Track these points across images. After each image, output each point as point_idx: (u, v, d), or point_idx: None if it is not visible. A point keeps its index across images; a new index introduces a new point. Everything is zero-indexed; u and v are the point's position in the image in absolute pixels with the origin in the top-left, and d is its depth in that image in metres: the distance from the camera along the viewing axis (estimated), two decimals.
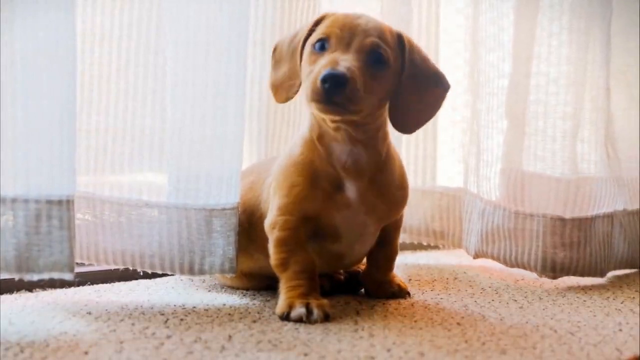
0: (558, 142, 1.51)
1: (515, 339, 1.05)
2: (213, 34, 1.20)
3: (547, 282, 1.49)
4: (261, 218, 1.22)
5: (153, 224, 1.22)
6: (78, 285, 1.30)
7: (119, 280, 1.36)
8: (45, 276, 1.04)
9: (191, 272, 1.23)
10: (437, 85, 1.20)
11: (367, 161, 1.17)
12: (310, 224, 1.18)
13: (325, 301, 1.14)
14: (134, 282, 1.36)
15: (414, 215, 1.67)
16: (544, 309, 1.25)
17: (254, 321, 1.11)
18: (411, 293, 1.32)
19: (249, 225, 1.25)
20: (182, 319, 1.11)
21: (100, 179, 1.24)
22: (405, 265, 1.62)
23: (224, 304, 1.22)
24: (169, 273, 1.25)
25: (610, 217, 1.53)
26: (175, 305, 1.19)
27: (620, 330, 1.12)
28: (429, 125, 1.26)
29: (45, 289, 1.26)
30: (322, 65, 1.08)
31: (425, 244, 1.72)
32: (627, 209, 1.60)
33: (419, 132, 1.43)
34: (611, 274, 1.57)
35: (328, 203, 1.17)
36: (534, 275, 1.50)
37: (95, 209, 1.23)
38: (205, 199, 1.22)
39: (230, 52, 1.20)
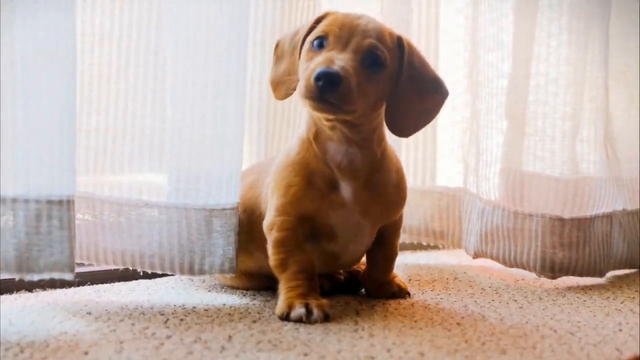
0: (557, 142, 1.51)
1: (515, 339, 1.05)
2: (213, 34, 1.20)
3: (547, 282, 1.49)
4: (260, 217, 1.22)
5: (153, 224, 1.22)
6: (78, 285, 1.30)
7: (119, 280, 1.36)
8: (46, 276, 1.04)
9: (191, 272, 1.23)
10: (436, 91, 1.19)
11: (362, 162, 1.17)
12: (307, 224, 1.18)
13: (325, 301, 1.14)
14: (134, 282, 1.36)
15: (413, 215, 1.67)
16: (544, 309, 1.25)
17: (254, 321, 1.11)
18: (411, 293, 1.32)
19: (248, 225, 1.25)
20: (182, 319, 1.11)
21: (100, 179, 1.24)
22: (405, 265, 1.62)
23: (224, 304, 1.22)
24: (169, 273, 1.25)
25: (609, 217, 1.53)
26: (175, 305, 1.19)
27: (620, 330, 1.12)
28: (428, 126, 1.25)
29: (45, 289, 1.26)
30: (317, 63, 1.08)
31: (425, 244, 1.72)
32: (626, 209, 1.60)
33: (420, 133, 1.43)
34: (611, 274, 1.57)
35: (324, 203, 1.17)
36: (534, 275, 1.50)
37: (95, 209, 1.23)
38: (205, 199, 1.22)
39: (230, 52, 1.20)
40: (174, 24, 1.20)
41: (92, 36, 1.22)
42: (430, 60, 1.36)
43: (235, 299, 1.26)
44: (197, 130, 1.21)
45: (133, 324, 1.07)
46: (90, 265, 1.28)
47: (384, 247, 1.28)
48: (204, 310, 1.17)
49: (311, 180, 1.17)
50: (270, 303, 1.22)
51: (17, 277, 1.04)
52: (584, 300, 1.33)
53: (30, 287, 1.25)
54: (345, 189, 1.17)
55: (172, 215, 1.22)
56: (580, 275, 1.49)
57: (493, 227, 1.51)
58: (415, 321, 1.13)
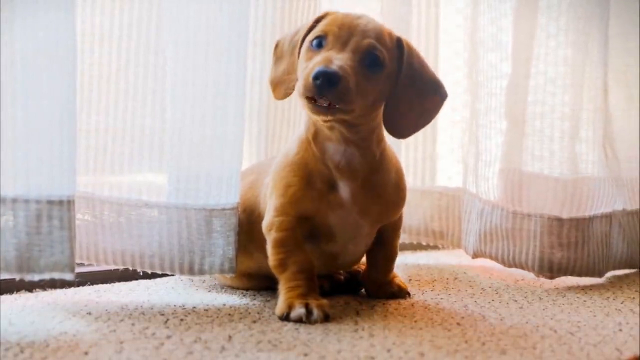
0: (556, 142, 1.51)
1: (515, 339, 1.05)
2: (213, 34, 1.20)
3: (547, 282, 1.49)
4: (260, 217, 1.22)
5: (153, 224, 1.22)
6: (78, 286, 1.30)
7: (119, 281, 1.36)
8: (46, 276, 1.04)
9: (191, 272, 1.23)
10: (435, 92, 1.19)
11: (360, 162, 1.17)
12: (306, 224, 1.18)
13: (324, 301, 1.14)
14: (134, 282, 1.36)
15: (413, 215, 1.67)
16: (544, 309, 1.25)
17: (254, 321, 1.11)
18: (411, 293, 1.32)
19: (248, 225, 1.25)
20: (182, 319, 1.11)
21: (100, 179, 1.24)
22: (405, 265, 1.62)
23: (224, 304, 1.22)
24: (169, 273, 1.25)
25: (608, 217, 1.53)
26: (175, 305, 1.19)
27: (620, 330, 1.12)
28: (428, 126, 1.25)
29: (45, 289, 1.26)
30: (316, 62, 1.08)
31: (424, 243, 1.72)
32: (626, 209, 1.60)
33: (420, 133, 1.43)
34: (610, 274, 1.57)
35: (322, 203, 1.17)
36: (534, 275, 1.50)
37: (94, 209, 1.22)
38: (205, 199, 1.22)
39: (230, 52, 1.20)
40: (174, 24, 1.20)
41: (92, 36, 1.22)
42: (429, 60, 1.37)
43: (235, 299, 1.26)
44: (197, 130, 1.21)
45: (133, 324, 1.07)
46: (90, 265, 1.28)
47: (383, 247, 1.28)
48: (204, 310, 1.17)
49: (310, 181, 1.17)
50: (270, 303, 1.22)
51: (17, 277, 1.04)
52: (584, 300, 1.33)
53: (30, 287, 1.25)
54: (344, 189, 1.17)
55: (172, 215, 1.22)
56: (579, 275, 1.49)
57: (492, 227, 1.51)
58: (415, 321, 1.13)
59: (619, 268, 1.60)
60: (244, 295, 1.29)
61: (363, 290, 1.33)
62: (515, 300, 1.31)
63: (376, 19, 1.17)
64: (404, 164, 1.49)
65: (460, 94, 1.64)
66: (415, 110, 1.18)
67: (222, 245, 1.22)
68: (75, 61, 1.07)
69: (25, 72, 1.03)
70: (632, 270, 1.63)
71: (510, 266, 1.51)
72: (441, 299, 1.30)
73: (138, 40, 1.23)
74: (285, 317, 1.11)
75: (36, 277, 1.04)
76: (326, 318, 1.11)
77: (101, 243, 1.22)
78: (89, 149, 1.23)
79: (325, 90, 1.05)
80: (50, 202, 1.04)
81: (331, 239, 1.20)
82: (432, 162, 1.69)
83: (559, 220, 1.47)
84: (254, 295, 1.28)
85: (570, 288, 1.45)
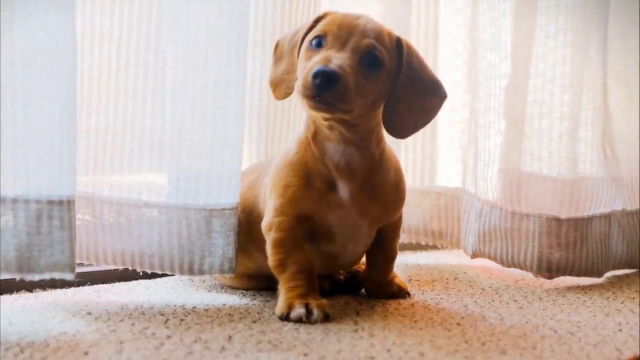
0: (555, 142, 1.52)
1: (515, 339, 1.05)
2: (213, 34, 1.20)
3: (547, 282, 1.49)
4: (259, 217, 1.22)
5: (153, 224, 1.22)
6: (78, 286, 1.30)
7: (119, 280, 1.36)
8: (46, 276, 1.04)
9: (191, 272, 1.23)
10: (434, 93, 1.19)
11: (359, 162, 1.17)
12: (306, 224, 1.18)
13: (324, 301, 1.14)
14: (134, 282, 1.36)
15: (412, 215, 1.67)
16: (544, 309, 1.25)
17: (254, 321, 1.11)
18: (411, 293, 1.32)
19: (247, 224, 1.25)
20: (182, 319, 1.11)
21: (100, 179, 1.24)
22: (405, 265, 1.62)
23: (224, 304, 1.22)
24: (168, 273, 1.25)
25: (607, 217, 1.53)
26: (175, 305, 1.19)
27: (620, 330, 1.12)
28: (428, 126, 1.25)
29: (45, 289, 1.26)
30: (315, 62, 1.08)
31: (423, 243, 1.72)
32: (626, 209, 1.60)
33: (419, 133, 1.44)
34: (610, 274, 1.57)
35: (322, 203, 1.17)
36: (532, 275, 1.50)
37: (94, 209, 1.23)
38: (205, 199, 1.22)
39: (230, 52, 1.20)
40: (174, 24, 1.20)
41: (92, 36, 1.22)
42: (429, 60, 1.37)
43: (235, 299, 1.26)
44: (197, 130, 1.21)
45: (133, 324, 1.07)
46: (90, 265, 1.28)
47: (383, 247, 1.28)
48: (204, 310, 1.17)
49: (309, 181, 1.17)
50: (270, 303, 1.22)
51: (17, 277, 1.04)
52: (584, 301, 1.33)
53: (30, 287, 1.25)
54: (343, 189, 1.17)
55: (172, 215, 1.22)
56: (577, 275, 1.49)
57: (491, 227, 1.51)
58: (415, 321, 1.13)
59: (619, 268, 1.60)
60: (244, 295, 1.29)
61: (363, 290, 1.33)
62: (515, 300, 1.31)
63: (376, 19, 1.17)
64: (404, 164, 1.49)
65: (460, 94, 1.64)
66: (415, 110, 1.18)
67: (222, 245, 1.22)
68: (75, 61, 1.07)
69: (25, 72, 1.03)
70: (632, 270, 1.63)
71: (508, 266, 1.51)
72: (441, 299, 1.30)
73: (138, 40, 1.23)
74: (285, 317, 1.11)
75: (36, 277, 1.04)
76: (326, 318, 1.11)
77: (101, 243, 1.22)
78: (89, 149, 1.23)
79: (324, 90, 1.05)
80: (50, 202, 1.04)
81: (331, 239, 1.20)
82: (432, 162, 1.69)
83: (558, 220, 1.47)
84: (254, 295, 1.28)
85: (570, 288, 1.45)
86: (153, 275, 1.34)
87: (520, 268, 1.49)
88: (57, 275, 1.04)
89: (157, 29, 1.23)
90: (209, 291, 1.31)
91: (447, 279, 1.49)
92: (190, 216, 1.22)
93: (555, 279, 1.49)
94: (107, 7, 1.21)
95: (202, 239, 1.22)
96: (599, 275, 1.51)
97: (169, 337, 1.01)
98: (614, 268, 1.58)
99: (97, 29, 1.21)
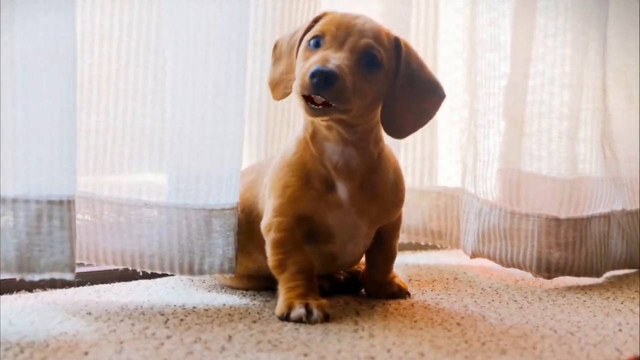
0: (555, 142, 1.51)
1: (515, 339, 1.05)
2: (213, 34, 1.20)
3: (547, 282, 1.49)
4: (259, 217, 1.22)
5: (153, 224, 1.22)
6: (78, 286, 1.30)
7: (119, 281, 1.36)
8: (47, 276, 1.04)
9: (191, 272, 1.23)
10: (433, 93, 1.19)
11: (358, 162, 1.17)
12: (305, 224, 1.18)
13: (324, 301, 1.14)
14: (134, 282, 1.36)
15: (412, 215, 1.67)
16: (544, 309, 1.25)
17: (254, 321, 1.11)
18: (411, 293, 1.32)
19: (247, 224, 1.25)
20: (182, 319, 1.11)
21: (100, 179, 1.24)
22: (405, 265, 1.62)
23: (224, 304, 1.22)
24: (168, 273, 1.25)
25: (607, 217, 1.53)
26: (175, 306, 1.19)
27: (620, 330, 1.12)
28: (427, 126, 1.25)
29: (45, 289, 1.26)
30: (313, 62, 1.08)
31: (423, 243, 1.72)
32: (625, 209, 1.60)
33: (418, 133, 1.43)
34: (610, 274, 1.57)
35: (320, 203, 1.17)
36: (532, 275, 1.50)
37: (94, 209, 1.23)
38: (205, 199, 1.22)
39: (230, 52, 1.20)
40: (174, 24, 1.20)
41: (92, 36, 1.22)
42: (429, 60, 1.37)
43: (235, 299, 1.26)
44: (197, 130, 1.21)
45: (133, 324, 1.07)
46: (90, 265, 1.28)
47: (383, 247, 1.28)
48: (204, 310, 1.17)
49: (308, 181, 1.17)
50: (270, 303, 1.22)
51: (17, 277, 1.04)
52: (584, 301, 1.33)
53: (30, 287, 1.25)
54: (342, 190, 1.17)
55: (172, 215, 1.22)
56: (577, 275, 1.49)
57: (490, 227, 1.51)
58: (415, 321, 1.13)
59: (619, 268, 1.60)
60: (244, 295, 1.29)
61: (363, 290, 1.33)
62: (515, 300, 1.31)
63: (375, 19, 1.17)
64: (403, 164, 1.49)
65: (459, 94, 1.64)
66: (413, 110, 1.18)
67: (222, 245, 1.22)
68: (75, 61, 1.07)
69: (25, 72, 1.03)
70: (632, 270, 1.63)
71: (508, 266, 1.51)
72: (441, 299, 1.30)
73: (138, 40, 1.23)
74: (285, 317, 1.11)
75: (36, 277, 1.04)
76: (326, 318, 1.11)
77: (101, 243, 1.22)
78: (89, 149, 1.23)
79: (321, 89, 1.05)
80: (50, 202, 1.04)
81: (330, 239, 1.20)
82: (431, 162, 1.69)
83: (557, 220, 1.47)
84: (254, 295, 1.28)
85: (570, 288, 1.45)
86: (153, 275, 1.34)
87: (520, 268, 1.50)
88: (57, 275, 1.04)
89: (157, 29, 1.23)
90: (209, 291, 1.31)
91: (447, 279, 1.49)
92: (190, 216, 1.22)
93: (555, 279, 1.49)
94: (107, 7, 1.21)
95: (202, 239, 1.22)
96: (599, 275, 1.52)
97: (169, 337, 1.01)
98: (613, 268, 1.58)
99: (97, 29, 1.21)
